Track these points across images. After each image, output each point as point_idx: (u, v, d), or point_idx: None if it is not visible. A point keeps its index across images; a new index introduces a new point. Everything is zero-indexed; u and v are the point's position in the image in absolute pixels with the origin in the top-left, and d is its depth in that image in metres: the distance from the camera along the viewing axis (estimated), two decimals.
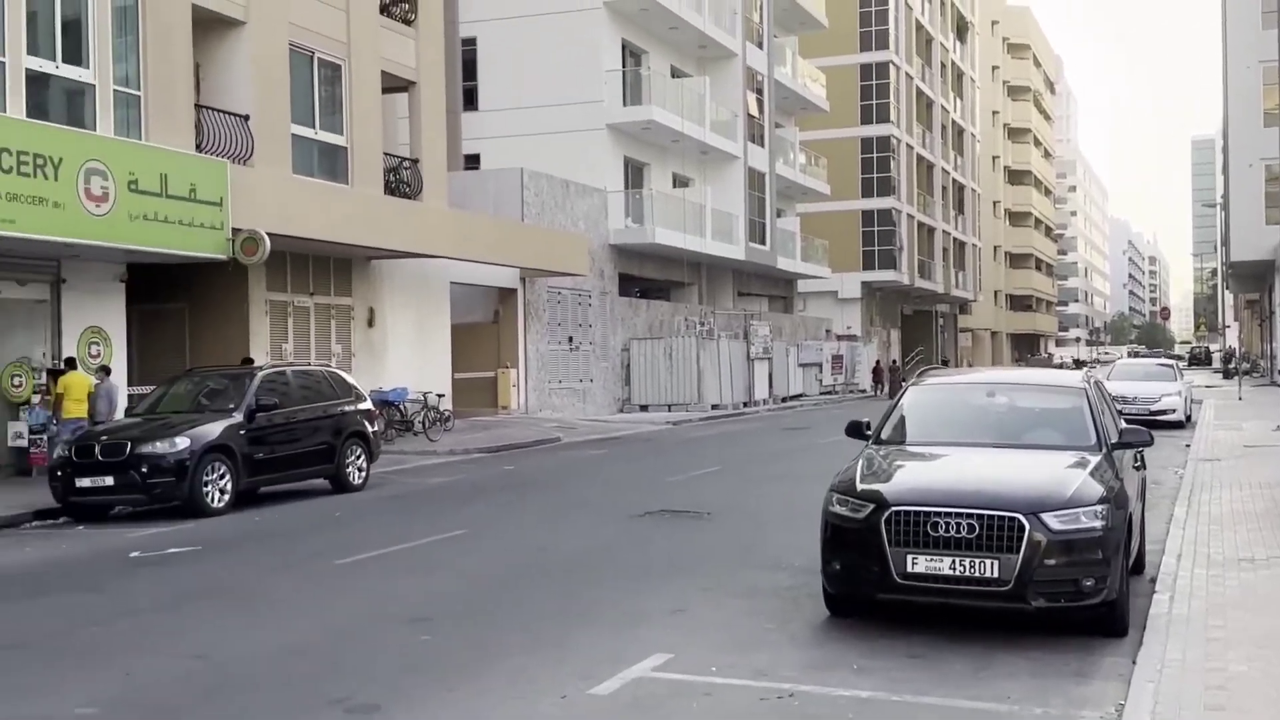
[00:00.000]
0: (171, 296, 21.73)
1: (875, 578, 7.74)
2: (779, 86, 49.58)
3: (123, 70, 18.89)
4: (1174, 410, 27.95)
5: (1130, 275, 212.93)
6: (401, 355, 26.47)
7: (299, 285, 23.76)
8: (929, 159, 70.95)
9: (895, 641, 7.75)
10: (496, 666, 7.32)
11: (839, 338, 55.32)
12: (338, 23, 24.09)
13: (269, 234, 19.67)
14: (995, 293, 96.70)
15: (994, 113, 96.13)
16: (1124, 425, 9.56)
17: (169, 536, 12.99)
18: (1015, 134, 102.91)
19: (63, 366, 17.76)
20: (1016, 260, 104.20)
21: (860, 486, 8.08)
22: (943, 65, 75.18)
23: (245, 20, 21.72)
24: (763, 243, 47.16)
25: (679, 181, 42.72)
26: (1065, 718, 6.34)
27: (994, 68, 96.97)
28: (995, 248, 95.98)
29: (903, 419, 9.46)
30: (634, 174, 39.87)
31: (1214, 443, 21.51)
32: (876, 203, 63.44)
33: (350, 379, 18.52)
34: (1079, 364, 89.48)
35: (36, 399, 18.27)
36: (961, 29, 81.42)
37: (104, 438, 14.94)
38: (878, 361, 56.47)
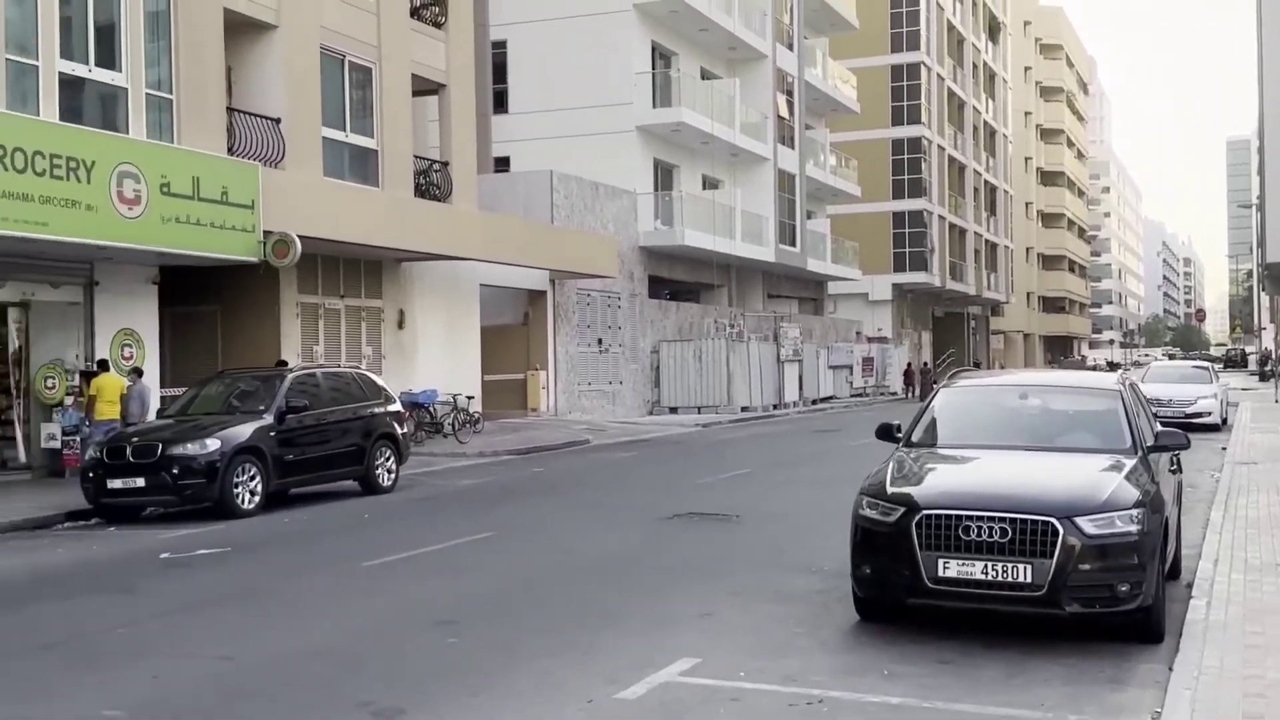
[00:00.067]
0: (203, 299, 21.86)
1: (906, 582, 7.65)
2: (809, 88, 49.42)
3: (155, 74, 19.01)
4: (1210, 413, 27.71)
5: (1164, 277, 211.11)
6: (431, 357, 26.53)
7: (330, 287, 23.85)
8: (960, 160, 70.54)
9: (926, 647, 7.65)
10: (522, 670, 7.28)
11: (870, 340, 55.08)
12: (368, 26, 24.18)
13: (300, 236, 19.75)
14: (1028, 294, 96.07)
15: (1026, 113, 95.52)
16: (1159, 428, 9.43)
17: (199, 538, 13.04)
18: (1048, 135, 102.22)
19: (95, 368, 17.88)
20: (1049, 262, 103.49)
21: (891, 489, 7.99)
22: (974, 66, 74.74)
23: (277, 24, 21.83)
24: (793, 244, 47.00)
25: (709, 183, 42.65)
26: None
27: (1026, 68, 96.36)
28: (1028, 249, 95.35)
29: (934, 421, 9.36)
30: (663, 176, 39.83)
31: (1250, 446, 21.24)
32: (907, 204, 63.13)
33: (379, 381, 18.55)
34: (1113, 366, 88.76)
35: (70, 401, 18.41)
36: (993, 29, 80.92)
37: (135, 439, 15.02)
38: (909, 364, 56.19)
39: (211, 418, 15.63)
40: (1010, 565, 7.39)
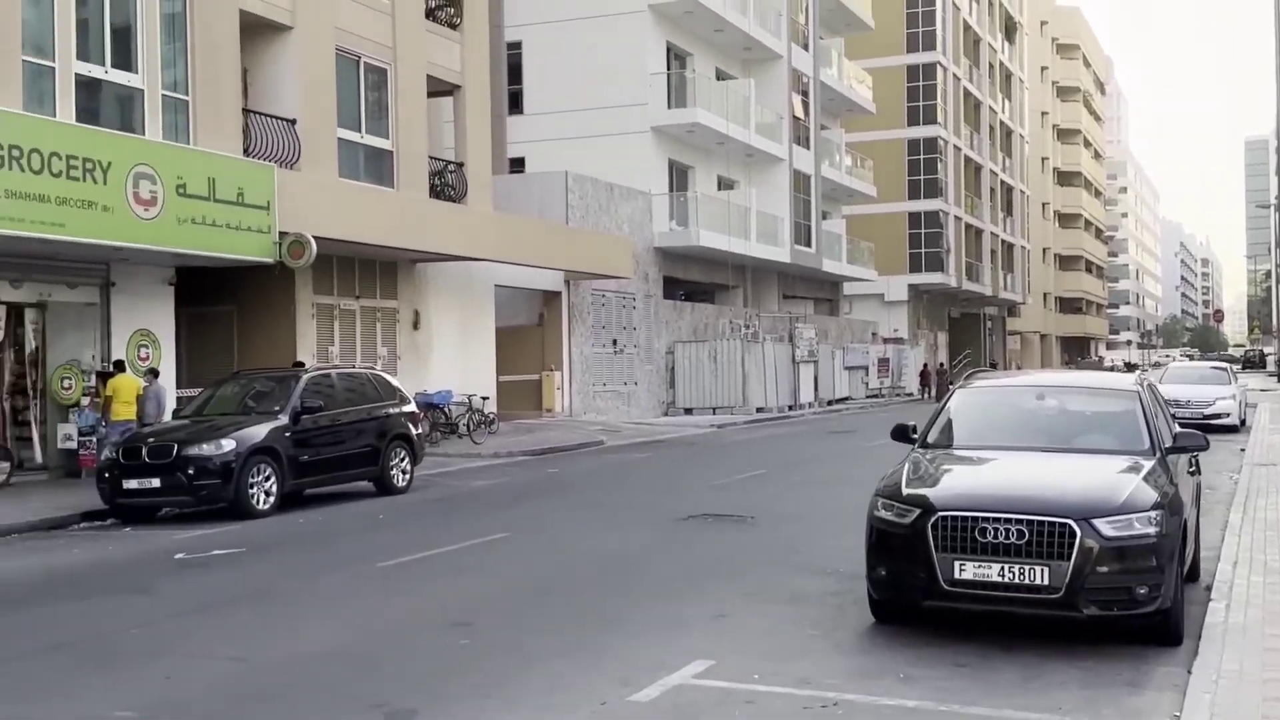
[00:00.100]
0: (219, 299, 21.91)
1: (922, 584, 7.60)
2: (825, 88, 49.32)
3: (171, 75, 19.06)
4: (1228, 414, 27.58)
5: (1182, 277, 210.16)
6: (446, 358, 26.54)
7: (345, 288, 23.89)
8: (977, 160, 70.31)
9: (942, 649, 7.60)
10: (535, 672, 7.25)
11: (885, 340, 54.94)
12: (383, 27, 24.20)
13: (315, 237, 19.77)
14: (1044, 295, 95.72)
15: (1043, 114, 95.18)
16: (1178, 429, 9.36)
17: (214, 538, 13.05)
18: (1064, 135, 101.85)
19: (111, 369, 17.92)
20: (1066, 262, 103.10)
21: (906, 491, 7.94)
22: (991, 66, 74.48)
23: (292, 25, 21.87)
24: (808, 245, 46.90)
25: (724, 184, 42.59)
26: None
27: (1043, 68, 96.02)
28: (1044, 250, 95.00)
29: (950, 422, 9.30)
30: (678, 177, 39.80)
31: (1269, 447, 21.10)
32: (923, 205, 62.95)
33: (394, 381, 18.56)
34: (1130, 367, 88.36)
35: (86, 401, 18.47)
36: (1010, 29, 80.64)
37: (151, 440, 15.05)
38: (925, 365, 56.03)
39: (227, 418, 15.65)
40: (1027, 567, 7.34)
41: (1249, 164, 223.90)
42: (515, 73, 37.13)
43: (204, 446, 14.66)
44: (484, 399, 26.51)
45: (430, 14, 25.88)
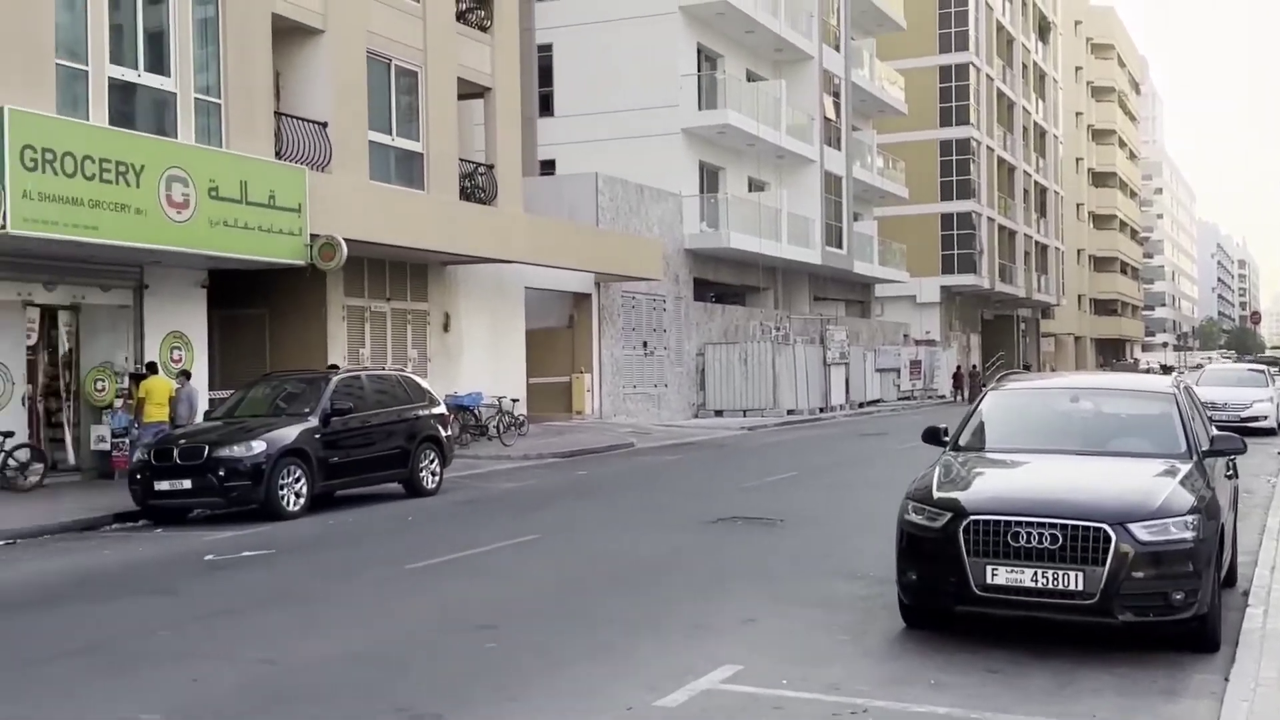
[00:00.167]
0: (251, 302, 22.02)
1: (953, 589, 7.51)
2: (856, 89, 49.10)
3: (204, 79, 19.16)
4: (1265, 417, 27.34)
5: (1219, 279, 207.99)
6: (476, 360, 26.57)
7: (376, 290, 23.96)
8: (1010, 161, 69.82)
9: (974, 655, 7.50)
10: (561, 676, 7.20)
11: (917, 342, 54.64)
12: (414, 30, 24.26)
13: (346, 240, 19.83)
14: (1079, 297, 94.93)
15: (1077, 114, 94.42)
16: (1215, 432, 9.21)
17: (244, 540, 13.09)
18: (1099, 135, 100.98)
19: (144, 371, 18.03)
20: (1101, 264, 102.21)
21: (937, 494, 7.84)
22: (1024, 66, 73.95)
23: (324, 29, 21.95)
24: (839, 247, 46.70)
25: (754, 185, 42.48)
26: None
27: (1077, 68, 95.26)
28: (1079, 251, 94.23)
29: (981, 425, 9.19)
30: (709, 178, 39.72)
31: None
32: (956, 206, 62.57)
33: (424, 383, 18.59)
34: (1166, 369, 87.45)
35: (119, 403, 18.59)
36: (1044, 29, 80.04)
37: (182, 441, 15.12)
38: (958, 367, 55.68)
39: (257, 420, 15.71)
40: (1061, 572, 7.23)
41: None
42: (546, 75, 37.14)
43: (235, 448, 14.71)
44: (514, 401, 26.52)
45: (461, 16, 25.92)
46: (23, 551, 12.73)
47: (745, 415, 35.77)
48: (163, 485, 14.66)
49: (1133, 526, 7.24)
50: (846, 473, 19.83)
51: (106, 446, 18.52)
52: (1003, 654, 7.50)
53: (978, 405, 9.46)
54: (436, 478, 17.48)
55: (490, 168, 26.85)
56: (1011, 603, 7.41)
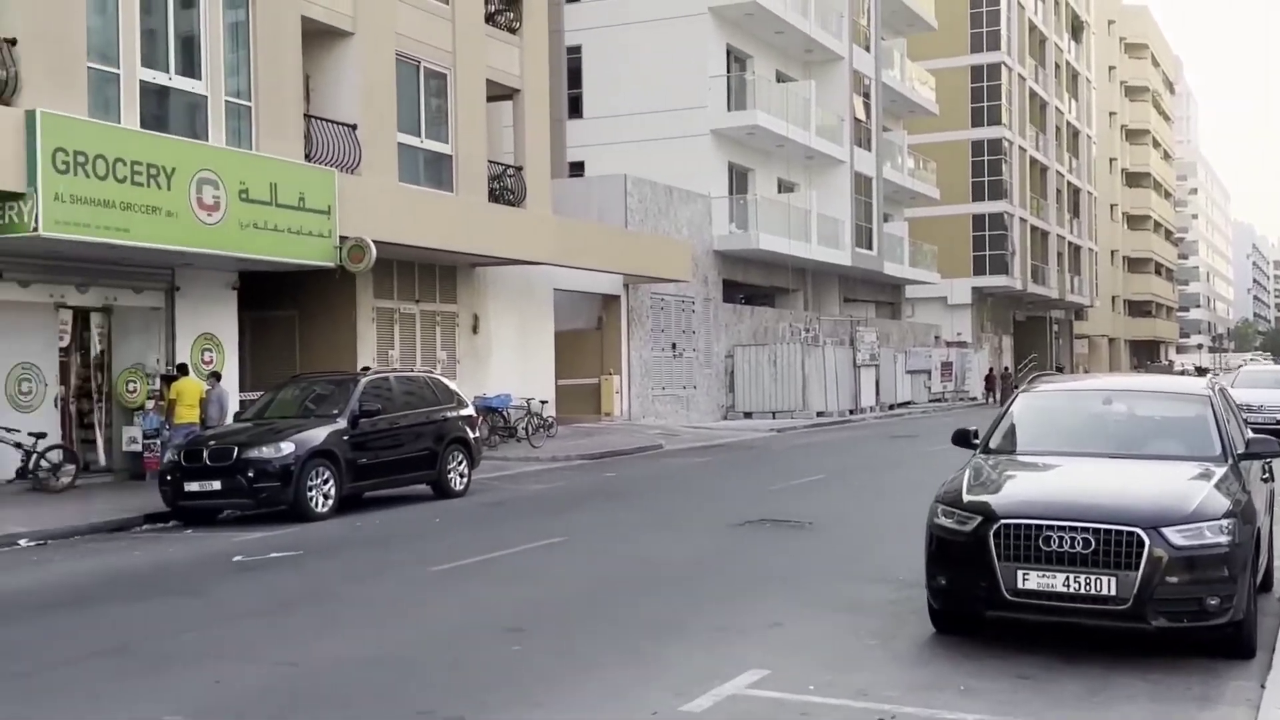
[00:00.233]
0: (281, 304, 22.12)
1: (983, 594, 7.41)
2: (887, 89, 48.87)
3: (235, 82, 19.25)
4: None
5: (1254, 280, 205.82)
6: (505, 361, 26.60)
7: (405, 292, 24.01)
8: (1042, 161, 69.32)
9: (1004, 661, 7.40)
10: (586, 680, 7.15)
11: (948, 344, 54.31)
12: (443, 32, 24.30)
13: (375, 242, 19.87)
14: (1113, 298, 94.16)
15: (1111, 114, 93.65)
16: (1250, 434, 9.07)
17: (272, 541, 13.12)
18: (1133, 135, 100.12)
19: (175, 372, 18.13)
20: (1135, 265, 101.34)
21: (967, 498, 7.75)
22: (1057, 66, 73.40)
23: (353, 31, 22.02)
24: (869, 248, 46.49)
25: (784, 187, 42.34)
26: None
27: (1110, 68, 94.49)
28: (1112, 252, 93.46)
29: (1012, 427, 9.08)
30: (738, 179, 39.61)
31: None
32: (988, 206, 62.17)
33: (452, 385, 18.61)
34: (1201, 371, 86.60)
35: (150, 404, 18.70)
36: (1076, 29, 79.44)
37: (212, 442, 15.18)
38: (990, 369, 55.32)
39: (287, 421, 15.76)
40: (1093, 577, 7.12)
41: None
42: (575, 77, 37.17)
43: (264, 449, 14.76)
44: (543, 402, 26.52)
45: (490, 19, 25.95)
46: (54, 552, 12.81)
47: (774, 417, 35.65)
48: (192, 486, 14.73)
49: (1167, 531, 7.12)
50: (876, 475, 19.70)
51: (138, 448, 18.64)
52: (1034, 660, 7.40)
53: (1009, 407, 9.35)
54: (464, 479, 17.49)
55: (519, 169, 26.86)
56: (1043, 608, 7.31)
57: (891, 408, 42.77)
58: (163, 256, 17.78)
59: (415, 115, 23.81)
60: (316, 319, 22.57)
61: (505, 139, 28.27)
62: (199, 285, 19.38)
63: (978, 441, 9.04)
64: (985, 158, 62.32)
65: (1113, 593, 7.09)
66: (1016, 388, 11.05)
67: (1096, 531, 7.16)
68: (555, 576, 10.70)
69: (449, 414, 17.49)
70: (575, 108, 37.14)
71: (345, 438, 15.50)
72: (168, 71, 18.18)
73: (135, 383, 18.96)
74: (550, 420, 26.52)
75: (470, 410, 18.47)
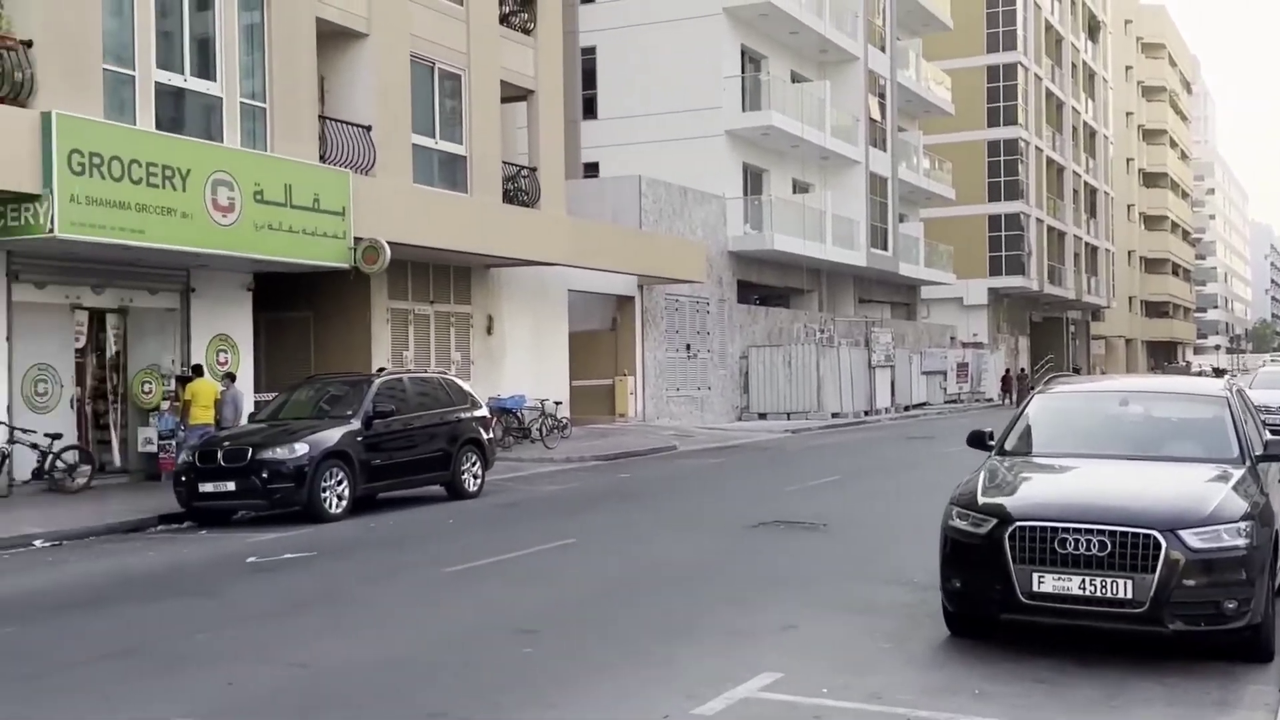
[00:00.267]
0: (296, 305, 22.17)
1: (998, 597, 7.36)
2: (902, 90, 48.75)
3: (250, 84, 19.30)
4: None
5: (1272, 280, 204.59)
6: (520, 362, 26.60)
7: (419, 293, 24.03)
8: (1059, 162, 69.05)
9: (1019, 665, 7.34)
10: (598, 682, 7.13)
11: (964, 345, 54.12)
12: (458, 34, 24.31)
13: (390, 243, 19.90)
14: (1129, 299, 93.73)
15: (1127, 114, 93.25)
16: (1269, 436, 8.99)
17: (286, 542, 13.13)
18: (1150, 135, 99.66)
19: (190, 373, 18.18)
20: (1152, 265, 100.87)
21: (982, 500, 7.69)
22: (1073, 66, 73.11)
23: (368, 33, 22.05)
24: (885, 248, 46.37)
25: (798, 187, 42.26)
26: None
27: (1127, 68, 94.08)
28: (1129, 252, 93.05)
29: (1028, 428, 9.02)
30: (753, 180, 39.55)
31: None
32: (1004, 207, 61.96)
33: (466, 386, 18.61)
34: (1218, 372, 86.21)
35: (165, 405, 18.75)
36: (1093, 28, 79.11)
37: (226, 443, 15.19)
38: (1006, 370, 55.12)
39: (301, 422, 15.77)
40: (1109, 580, 7.06)
41: None
42: (589, 78, 37.18)
43: (278, 450, 14.77)
44: (557, 404, 26.52)
45: (504, 20, 25.96)
46: (69, 553, 12.84)
47: (789, 418, 35.58)
48: (207, 487, 14.74)
49: (1184, 533, 7.06)
50: (891, 477, 19.63)
51: (153, 448, 18.69)
52: (1049, 663, 7.34)
53: (1024, 409, 9.29)
54: (478, 480, 17.48)
55: (533, 170, 26.87)
56: (1058, 611, 7.25)
57: (907, 409, 42.65)
58: (178, 258, 17.83)
59: (430, 116, 23.84)
60: (331, 320, 22.61)
61: (520, 140, 28.27)
62: (214, 286, 19.42)
63: (993, 443, 8.98)
64: (1001, 158, 62.12)
65: (1129, 596, 7.03)
66: (1033, 389, 10.98)
67: (1113, 534, 7.10)
68: (568, 578, 10.68)
69: (463, 415, 17.49)
70: (590, 109, 37.16)
71: (359, 439, 15.51)
72: (183, 73, 18.23)
73: (150, 384, 19.02)
74: (564, 421, 26.52)
75: (484, 411, 18.46)
